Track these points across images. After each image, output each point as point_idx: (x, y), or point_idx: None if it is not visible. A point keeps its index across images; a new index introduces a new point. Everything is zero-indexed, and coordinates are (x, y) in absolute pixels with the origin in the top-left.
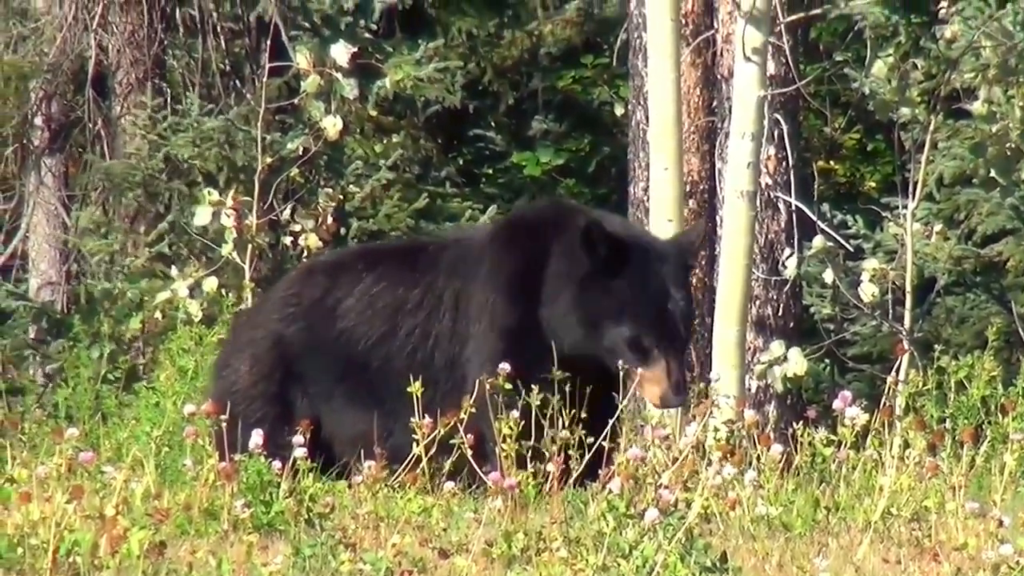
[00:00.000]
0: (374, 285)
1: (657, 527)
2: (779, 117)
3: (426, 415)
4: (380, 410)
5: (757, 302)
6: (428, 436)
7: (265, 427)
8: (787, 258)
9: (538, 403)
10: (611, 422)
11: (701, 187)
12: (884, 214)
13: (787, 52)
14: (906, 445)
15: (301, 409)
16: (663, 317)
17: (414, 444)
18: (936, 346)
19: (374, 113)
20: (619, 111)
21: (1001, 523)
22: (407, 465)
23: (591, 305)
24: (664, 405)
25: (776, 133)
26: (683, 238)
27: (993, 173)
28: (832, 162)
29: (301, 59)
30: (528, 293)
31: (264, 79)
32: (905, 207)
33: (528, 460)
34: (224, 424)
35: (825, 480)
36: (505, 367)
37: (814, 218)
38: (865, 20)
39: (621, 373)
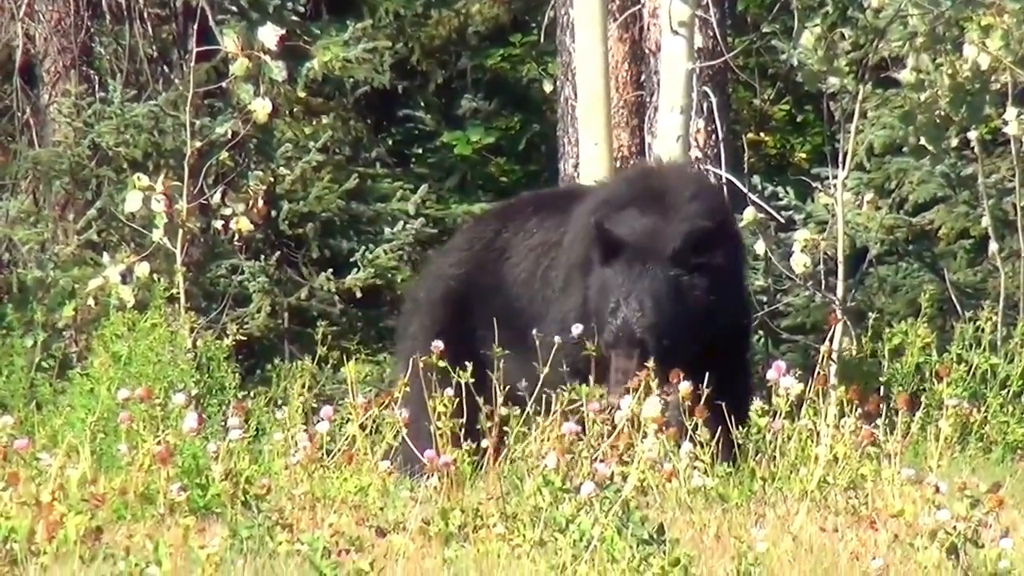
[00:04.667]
0: (535, 227)
1: (593, 501)
2: (708, 90)
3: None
4: (526, 354)
5: None
6: (364, 415)
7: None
8: None
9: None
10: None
11: (631, 162)
12: (815, 185)
13: (714, 25)
14: (841, 414)
15: (466, 351)
16: (614, 317)
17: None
18: (869, 315)
19: (303, 95)
20: (548, 88)
21: (937, 489)
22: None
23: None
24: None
25: (705, 106)
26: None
27: (923, 141)
28: (762, 134)
29: (229, 43)
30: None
31: (192, 64)
32: (835, 177)
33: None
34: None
35: (761, 451)
36: (439, 344)
37: (745, 190)
38: None
39: None
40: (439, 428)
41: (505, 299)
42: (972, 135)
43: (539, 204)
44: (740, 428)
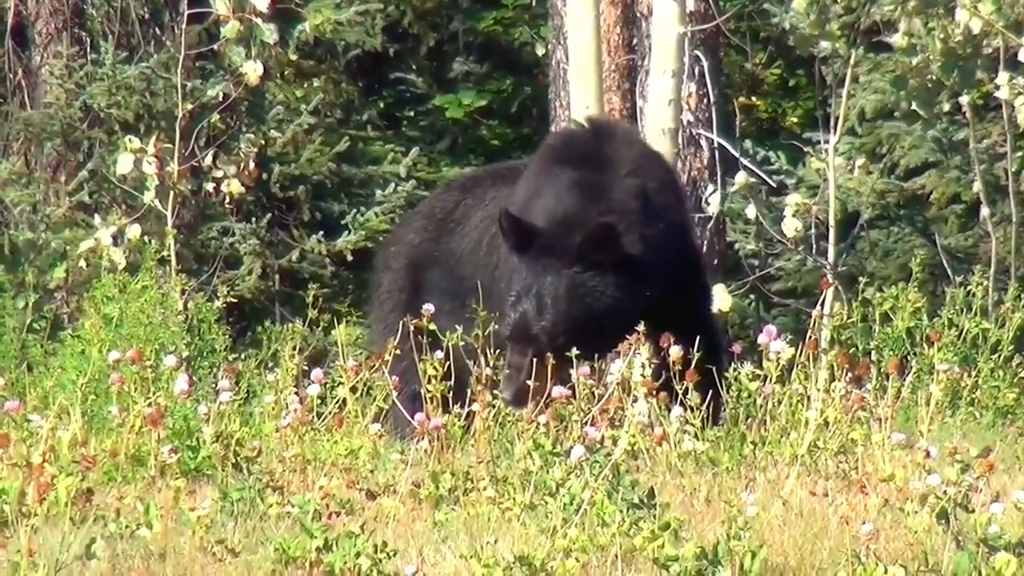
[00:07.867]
0: (489, 198)
1: (584, 464)
2: (699, 54)
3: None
4: (468, 324)
5: None
6: (354, 379)
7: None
8: (710, 195)
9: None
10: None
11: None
12: (806, 149)
13: None
14: (832, 378)
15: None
16: (513, 310)
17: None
18: (860, 279)
19: (294, 58)
20: (540, 51)
21: (928, 454)
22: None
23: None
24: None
25: (697, 70)
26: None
27: (914, 106)
28: (754, 98)
29: (220, 5)
30: None
31: (183, 26)
32: (827, 142)
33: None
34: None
35: (751, 415)
36: (429, 308)
37: (736, 154)
38: None
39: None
40: (429, 391)
41: (453, 268)
42: (964, 100)
43: (498, 176)
44: (718, 381)
